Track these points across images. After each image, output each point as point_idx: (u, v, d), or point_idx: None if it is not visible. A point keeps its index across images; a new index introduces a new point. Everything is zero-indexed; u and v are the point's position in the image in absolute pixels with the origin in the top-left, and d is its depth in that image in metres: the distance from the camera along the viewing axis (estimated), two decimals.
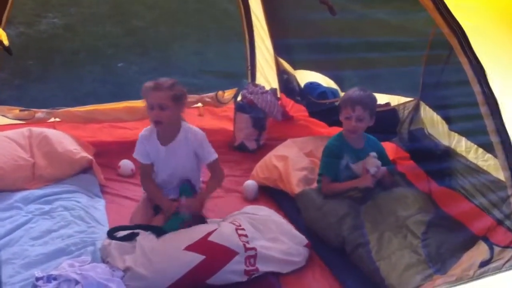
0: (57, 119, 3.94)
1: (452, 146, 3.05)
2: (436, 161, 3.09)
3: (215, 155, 2.98)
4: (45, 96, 5.40)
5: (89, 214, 3.08)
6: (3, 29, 3.36)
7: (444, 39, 2.25)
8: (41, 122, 3.88)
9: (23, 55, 6.55)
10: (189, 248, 2.57)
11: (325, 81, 3.97)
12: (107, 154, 3.82)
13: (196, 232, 2.68)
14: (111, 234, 2.76)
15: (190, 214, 2.84)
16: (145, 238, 2.71)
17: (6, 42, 2.07)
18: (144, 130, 3.00)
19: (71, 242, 2.77)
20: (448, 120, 3.12)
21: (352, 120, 3.08)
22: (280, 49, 4.29)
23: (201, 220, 2.89)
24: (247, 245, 2.65)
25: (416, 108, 3.35)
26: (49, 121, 3.94)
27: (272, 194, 3.47)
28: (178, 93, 2.81)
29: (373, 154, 3.07)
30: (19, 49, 6.73)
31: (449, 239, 2.72)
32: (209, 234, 2.64)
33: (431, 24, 2.71)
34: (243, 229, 2.74)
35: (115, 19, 7.98)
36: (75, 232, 2.87)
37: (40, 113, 3.89)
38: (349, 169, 3.14)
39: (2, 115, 3.80)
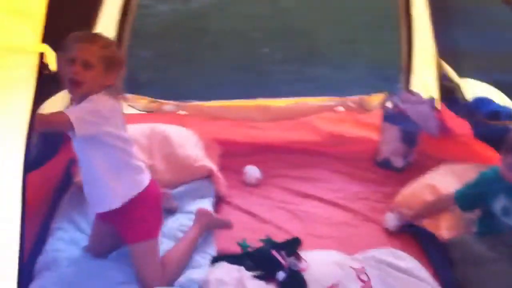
0: (185, 113, 3.67)
1: None
2: None
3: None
4: (186, 81, 5.24)
5: None
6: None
7: None
8: (168, 114, 3.65)
9: (171, 35, 6.46)
10: None
11: (500, 98, 3.16)
12: (233, 155, 3.44)
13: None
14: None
15: None
16: None
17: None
18: None
19: None
20: None
21: None
22: (445, 50, 3.53)
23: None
24: None
25: None
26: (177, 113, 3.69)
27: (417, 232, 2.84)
28: (112, 55, 2.17)
29: None
30: (168, 28, 6.69)
31: None
32: None
33: None
34: None
35: None
36: None
37: (168, 105, 3.66)
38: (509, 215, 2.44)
39: (130, 105, 3.61)
